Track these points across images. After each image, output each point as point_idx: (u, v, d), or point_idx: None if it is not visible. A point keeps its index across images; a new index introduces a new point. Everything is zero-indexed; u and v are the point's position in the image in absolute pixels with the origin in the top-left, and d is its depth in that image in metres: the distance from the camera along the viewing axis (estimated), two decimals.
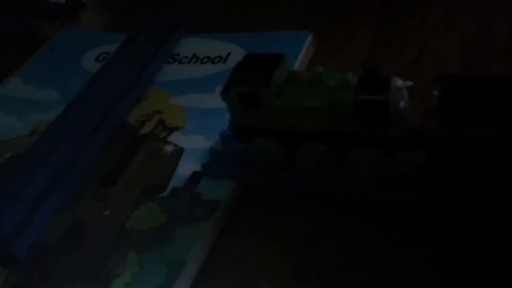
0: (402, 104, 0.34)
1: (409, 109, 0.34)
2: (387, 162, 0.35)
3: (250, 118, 0.37)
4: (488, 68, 0.44)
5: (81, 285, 0.36)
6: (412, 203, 0.35)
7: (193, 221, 0.38)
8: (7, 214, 0.40)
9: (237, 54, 0.52)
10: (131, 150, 0.45)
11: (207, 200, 0.39)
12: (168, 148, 0.44)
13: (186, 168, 0.42)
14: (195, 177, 0.41)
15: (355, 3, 0.57)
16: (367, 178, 0.36)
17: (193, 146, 0.43)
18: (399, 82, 0.34)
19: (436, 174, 0.34)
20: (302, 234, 0.36)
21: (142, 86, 0.51)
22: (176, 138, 0.45)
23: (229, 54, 0.52)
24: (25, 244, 0.38)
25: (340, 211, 0.37)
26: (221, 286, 0.35)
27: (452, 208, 0.34)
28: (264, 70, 0.36)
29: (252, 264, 0.35)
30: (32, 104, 0.52)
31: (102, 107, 0.48)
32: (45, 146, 0.45)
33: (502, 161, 0.31)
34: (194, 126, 0.45)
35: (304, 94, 0.35)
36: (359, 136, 0.35)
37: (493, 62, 0.45)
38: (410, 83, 0.34)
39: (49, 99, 0.52)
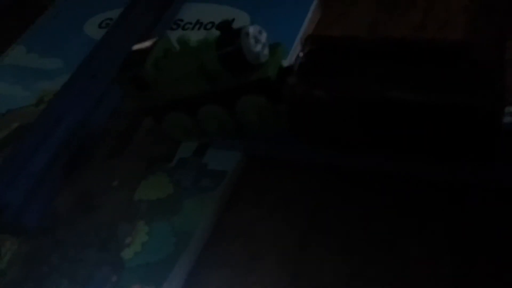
0: (258, 48, 0.35)
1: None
2: (270, 108, 0.37)
3: (150, 98, 0.39)
4: (494, 33, 0.44)
5: (92, 254, 0.36)
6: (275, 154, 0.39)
7: (200, 191, 0.38)
8: (16, 184, 0.40)
9: (241, 19, 0.51)
10: (136, 119, 0.45)
11: (214, 170, 0.39)
12: None
13: None
14: (201, 148, 0.41)
15: None
16: (257, 128, 0.38)
17: None
18: (251, 29, 0.35)
19: (294, 127, 0.36)
20: (306, 204, 0.37)
21: None
22: None
23: (233, 19, 0.52)
24: (34, 214, 0.39)
25: (344, 182, 0.37)
26: (228, 255, 0.35)
27: (314, 160, 0.38)
28: (143, 52, 0.38)
29: (257, 234, 0.36)
30: (36, 73, 0.52)
31: (107, 75, 0.48)
32: (51, 116, 0.45)
33: (349, 118, 0.34)
34: None
35: (177, 64, 0.38)
36: (237, 88, 0.37)
37: (498, 28, 0.44)
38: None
39: (54, 68, 0.52)
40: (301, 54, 0.35)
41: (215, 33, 0.37)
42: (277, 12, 0.51)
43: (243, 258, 0.35)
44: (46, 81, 0.51)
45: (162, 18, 0.53)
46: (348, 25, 0.50)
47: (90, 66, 0.49)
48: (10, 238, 0.39)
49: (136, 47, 0.40)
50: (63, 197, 0.40)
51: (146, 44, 0.39)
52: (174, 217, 0.37)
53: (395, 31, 0.47)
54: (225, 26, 0.36)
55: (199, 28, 0.52)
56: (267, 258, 0.35)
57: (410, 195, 0.36)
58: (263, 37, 0.36)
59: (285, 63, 0.37)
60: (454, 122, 0.31)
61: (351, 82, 0.33)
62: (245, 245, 0.36)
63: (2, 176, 0.41)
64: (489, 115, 0.30)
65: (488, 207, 0.34)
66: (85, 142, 0.44)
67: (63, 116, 0.44)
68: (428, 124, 0.32)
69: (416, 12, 0.48)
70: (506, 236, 0.32)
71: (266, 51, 0.36)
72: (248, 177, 0.39)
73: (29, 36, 0.57)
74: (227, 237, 0.36)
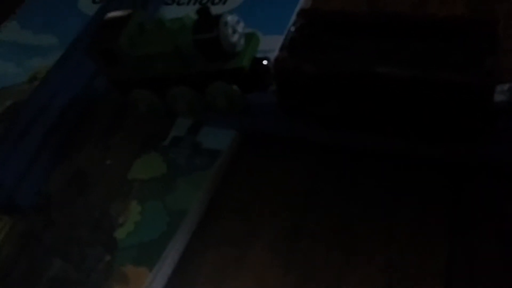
0: (235, 38, 0.36)
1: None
2: (240, 96, 0.37)
3: (118, 72, 0.39)
4: (496, 9, 0.43)
5: (85, 233, 0.36)
6: (267, 130, 0.39)
7: (194, 170, 0.38)
8: (9, 163, 0.40)
9: None
10: None
11: (208, 149, 0.39)
12: None
13: None
14: (195, 126, 0.40)
15: None
16: (225, 111, 0.38)
17: None
18: (229, 18, 0.36)
19: (284, 102, 0.36)
20: (301, 184, 0.37)
21: None
22: None
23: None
24: (27, 192, 0.39)
25: (340, 160, 0.37)
26: (222, 234, 0.35)
27: (304, 136, 0.38)
28: (116, 27, 0.39)
29: (252, 212, 0.36)
30: (30, 49, 0.51)
31: None
32: (44, 94, 0.44)
33: (337, 92, 0.34)
34: None
35: (152, 42, 0.38)
36: (210, 73, 0.37)
37: (501, 3, 0.43)
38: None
39: (47, 44, 0.51)
40: (292, 29, 0.35)
41: (192, 15, 0.37)
42: None
43: (237, 236, 0.35)
44: (39, 58, 0.50)
45: None
46: None
47: (84, 42, 0.48)
48: (4, 217, 0.39)
49: (110, 16, 0.40)
50: (56, 176, 0.40)
51: (120, 14, 0.40)
52: (168, 196, 0.37)
53: (395, 7, 0.46)
54: (204, 11, 0.36)
55: (194, 3, 0.51)
56: (262, 236, 0.34)
57: (406, 174, 0.35)
58: (240, 27, 0.36)
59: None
60: (443, 98, 0.31)
61: (341, 57, 0.33)
62: (240, 223, 0.35)
63: None
64: (479, 91, 0.30)
65: (484, 186, 0.34)
66: (79, 121, 0.43)
67: (56, 94, 0.44)
68: (418, 100, 0.32)
69: None
70: (503, 216, 0.32)
71: (242, 41, 0.36)
72: (243, 155, 0.39)
73: (22, 12, 0.56)
74: (222, 216, 0.36)
